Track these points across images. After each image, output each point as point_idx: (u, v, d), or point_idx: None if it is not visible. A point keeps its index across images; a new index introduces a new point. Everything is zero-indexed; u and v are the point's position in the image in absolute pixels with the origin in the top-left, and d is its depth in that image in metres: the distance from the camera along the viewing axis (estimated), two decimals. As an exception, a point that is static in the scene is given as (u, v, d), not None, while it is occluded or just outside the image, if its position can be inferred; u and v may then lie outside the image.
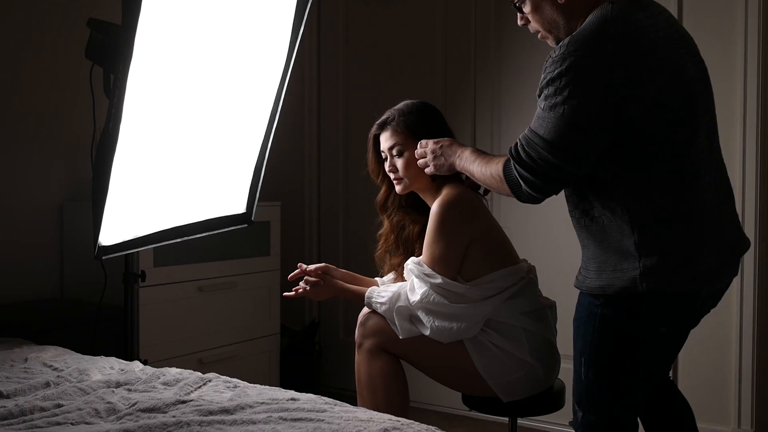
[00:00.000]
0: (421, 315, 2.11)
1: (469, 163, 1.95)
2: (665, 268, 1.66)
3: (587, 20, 1.68)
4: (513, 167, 1.73)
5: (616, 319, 1.73)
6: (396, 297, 2.14)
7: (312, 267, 2.34)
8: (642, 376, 1.78)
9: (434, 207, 2.15)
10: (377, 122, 2.31)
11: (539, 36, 1.85)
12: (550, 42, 1.82)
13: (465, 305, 2.10)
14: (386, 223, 2.38)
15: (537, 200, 1.75)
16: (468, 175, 1.97)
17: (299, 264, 2.38)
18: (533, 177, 1.69)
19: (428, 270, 2.12)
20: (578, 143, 1.64)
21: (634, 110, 1.62)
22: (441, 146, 2.07)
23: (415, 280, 2.14)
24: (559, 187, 1.73)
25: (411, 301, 2.12)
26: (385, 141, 2.27)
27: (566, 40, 1.65)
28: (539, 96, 1.68)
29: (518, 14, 1.84)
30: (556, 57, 1.63)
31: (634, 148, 1.66)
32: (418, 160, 2.14)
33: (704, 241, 1.70)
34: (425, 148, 2.12)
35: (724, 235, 1.76)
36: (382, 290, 2.20)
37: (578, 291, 1.83)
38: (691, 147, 1.69)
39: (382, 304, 2.16)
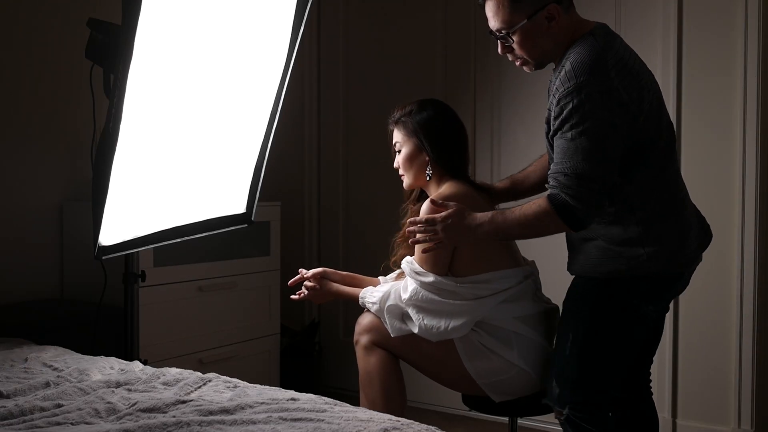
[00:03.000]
0: (411, 312, 2.14)
1: (494, 223, 1.92)
2: (663, 255, 1.90)
3: (577, 51, 1.84)
4: (558, 194, 1.83)
5: (612, 298, 1.94)
6: (386, 296, 2.18)
7: (310, 273, 2.40)
8: (623, 353, 1.98)
9: (423, 206, 2.16)
10: (390, 118, 2.34)
11: (518, 63, 1.98)
12: (528, 69, 1.99)
13: (455, 302, 2.11)
14: (409, 211, 2.41)
15: (591, 216, 1.86)
16: (505, 232, 1.95)
17: (300, 270, 2.44)
18: (582, 195, 1.81)
19: (419, 268, 2.15)
20: (609, 157, 1.82)
21: (642, 123, 1.85)
22: (450, 220, 1.95)
23: (408, 278, 2.17)
24: (603, 197, 1.86)
25: (402, 299, 2.15)
26: (393, 137, 2.34)
27: (571, 72, 1.80)
28: (561, 126, 1.82)
29: (499, 43, 1.94)
30: (570, 89, 1.79)
31: (637, 154, 1.87)
32: (409, 237, 2.06)
33: (689, 230, 1.97)
34: (424, 223, 1.99)
35: (698, 224, 2.04)
36: (375, 290, 2.25)
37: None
38: (672, 149, 1.96)
39: (373, 303, 2.21)
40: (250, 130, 2.65)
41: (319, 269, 2.40)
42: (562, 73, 1.83)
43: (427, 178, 2.25)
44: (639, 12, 3.24)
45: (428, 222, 1.98)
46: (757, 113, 2.99)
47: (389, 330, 2.17)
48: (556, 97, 1.83)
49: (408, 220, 2.10)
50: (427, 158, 2.24)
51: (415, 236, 2.02)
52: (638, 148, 1.87)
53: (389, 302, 2.17)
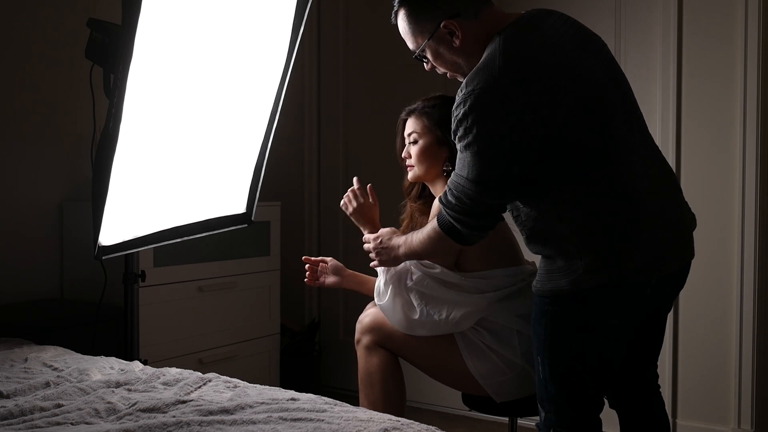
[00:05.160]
0: (414, 298, 2.13)
1: (406, 245, 1.99)
2: (607, 263, 1.71)
3: (484, 55, 1.72)
4: (446, 214, 1.79)
5: (565, 316, 1.78)
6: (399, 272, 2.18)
7: (330, 262, 2.45)
8: (594, 370, 1.82)
9: (436, 201, 2.16)
10: (407, 108, 2.33)
11: (448, 76, 1.89)
12: (460, 78, 1.85)
13: (459, 293, 2.12)
14: (408, 207, 2.41)
15: (477, 238, 1.83)
16: (415, 257, 2.03)
17: (321, 258, 2.48)
18: (467, 217, 1.76)
19: (425, 261, 2.15)
20: (498, 176, 1.71)
21: (546, 130, 1.66)
22: (380, 242, 2.09)
23: (413, 268, 2.17)
24: (493, 220, 1.81)
25: (407, 284, 2.15)
26: (408, 127, 2.30)
27: (464, 81, 1.70)
28: (453, 138, 1.74)
29: (423, 62, 1.89)
30: (459, 100, 1.68)
31: (555, 160, 1.70)
32: (369, 253, 2.15)
33: (641, 231, 1.72)
34: (368, 244, 2.14)
35: (665, 220, 1.78)
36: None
37: None
38: (610, 148, 1.72)
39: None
40: (250, 130, 2.65)
41: (337, 263, 2.44)
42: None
43: (444, 174, 2.24)
44: (639, 12, 3.24)
45: (375, 249, 2.10)
46: (757, 113, 2.99)
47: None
48: (454, 104, 1.72)
49: (364, 247, 2.15)
50: (446, 153, 2.24)
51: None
52: (558, 152, 1.68)
53: (398, 281, 2.17)
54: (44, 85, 3.11)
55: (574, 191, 1.72)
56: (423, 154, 2.24)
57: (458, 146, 1.73)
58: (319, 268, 2.45)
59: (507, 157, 1.68)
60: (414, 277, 2.15)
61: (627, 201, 1.73)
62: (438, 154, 2.23)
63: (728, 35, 3.05)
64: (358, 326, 2.26)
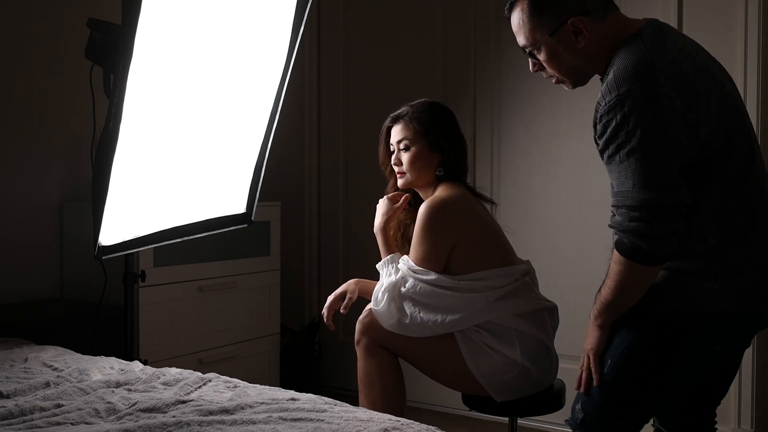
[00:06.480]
0: (407, 306, 2.14)
1: (600, 300, 1.71)
2: (740, 289, 1.61)
3: (622, 57, 1.60)
4: (622, 239, 1.60)
5: (667, 333, 1.65)
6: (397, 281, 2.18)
7: (346, 304, 2.33)
8: (663, 390, 1.71)
9: (422, 207, 2.18)
10: (392, 115, 2.34)
11: (554, 81, 1.77)
12: (567, 86, 1.77)
13: (454, 294, 2.12)
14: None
15: (670, 249, 1.59)
16: (618, 304, 1.69)
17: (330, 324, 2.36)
18: (648, 229, 1.56)
19: (417, 267, 2.16)
20: (670, 174, 1.56)
21: (703, 134, 1.58)
22: (593, 350, 1.76)
23: (407, 276, 2.18)
24: (678, 224, 1.58)
25: (401, 291, 2.16)
26: (396, 134, 2.30)
27: (612, 83, 1.57)
28: (606, 148, 1.59)
29: (530, 60, 1.76)
30: (612, 102, 1.56)
31: (700, 174, 1.60)
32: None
33: None
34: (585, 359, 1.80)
35: None
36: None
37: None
38: (752, 165, 1.65)
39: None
40: (250, 130, 2.65)
41: (353, 296, 2.34)
42: (604, 85, 1.61)
43: (436, 179, 2.26)
44: (639, 12, 3.21)
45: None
46: (757, 113, 2.99)
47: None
48: (599, 113, 1.59)
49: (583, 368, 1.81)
50: (438, 158, 2.25)
51: None
52: (705, 165, 1.60)
53: (393, 287, 2.16)
54: (44, 85, 3.11)
55: (718, 207, 1.62)
56: (416, 161, 2.25)
57: (616, 157, 1.57)
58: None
59: (673, 152, 1.56)
60: (407, 284, 2.15)
61: (764, 226, 1.64)
62: (430, 159, 2.25)
63: (728, 35, 3.05)
64: (358, 326, 2.25)
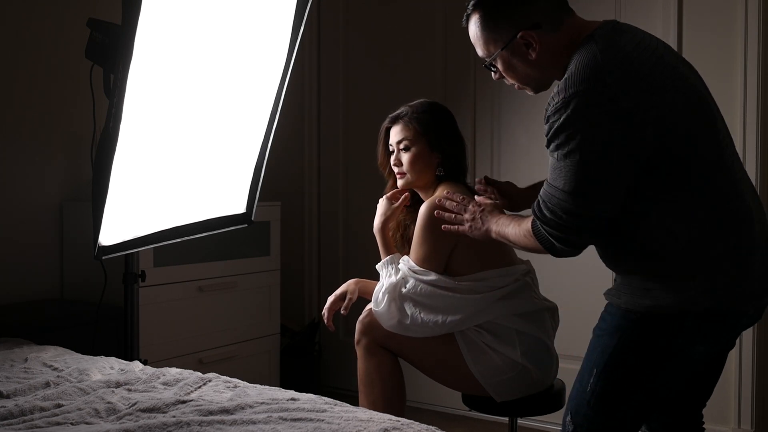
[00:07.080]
0: (407, 307, 2.14)
1: (504, 226, 1.82)
2: (718, 286, 1.59)
3: (575, 60, 1.61)
4: (540, 227, 1.65)
5: (650, 335, 1.64)
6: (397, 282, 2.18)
7: (346, 307, 2.32)
8: (651, 395, 1.70)
9: (422, 207, 2.18)
10: (390, 115, 2.33)
11: (516, 87, 1.81)
12: (529, 91, 1.80)
13: (454, 295, 2.12)
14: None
15: (574, 254, 1.66)
16: (504, 240, 1.83)
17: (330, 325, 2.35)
18: (562, 233, 1.61)
19: (416, 267, 2.16)
20: (602, 186, 1.57)
21: (653, 132, 1.56)
22: (483, 210, 1.92)
23: (408, 276, 2.18)
24: (594, 236, 1.64)
25: (401, 292, 2.16)
26: (395, 134, 2.30)
27: (562, 85, 1.58)
28: (549, 146, 1.61)
29: (491, 71, 1.81)
30: (558, 104, 1.57)
31: (664, 171, 1.59)
32: (436, 212, 2.04)
33: (754, 255, 1.61)
34: (462, 203, 1.98)
35: (766, 247, 1.66)
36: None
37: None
38: (721, 157, 1.63)
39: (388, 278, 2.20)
40: (250, 130, 2.65)
41: (353, 296, 2.33)
42: (556, 87, 1.62)
43: (436, 179, 2.26)
44: (639, 12, 3.24)
45: (473, 215, 1.92)
46: (757, 113, 2.99)
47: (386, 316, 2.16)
48: (548, 112, 1.60)
49: (445, 194, 2.05)
50: (438, 158, 2.25)
51: (447, 212, 1.99)
52: (669, 160, 1.58)
53: (393, 288, 2.17)
54: (44, 85, 3.11)
55: (688, 206, 1.59)
56: (416, 161, 2.25)
57: (555, 155, 1.59)
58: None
59: (614, 163, 1.55)
60: (408, 285, 2.15)
61: (740, 220, 1.61)
62: (430, 159, 2.25)
63: (728, 35, 3.05)
64: (358, 326, 2.25)
